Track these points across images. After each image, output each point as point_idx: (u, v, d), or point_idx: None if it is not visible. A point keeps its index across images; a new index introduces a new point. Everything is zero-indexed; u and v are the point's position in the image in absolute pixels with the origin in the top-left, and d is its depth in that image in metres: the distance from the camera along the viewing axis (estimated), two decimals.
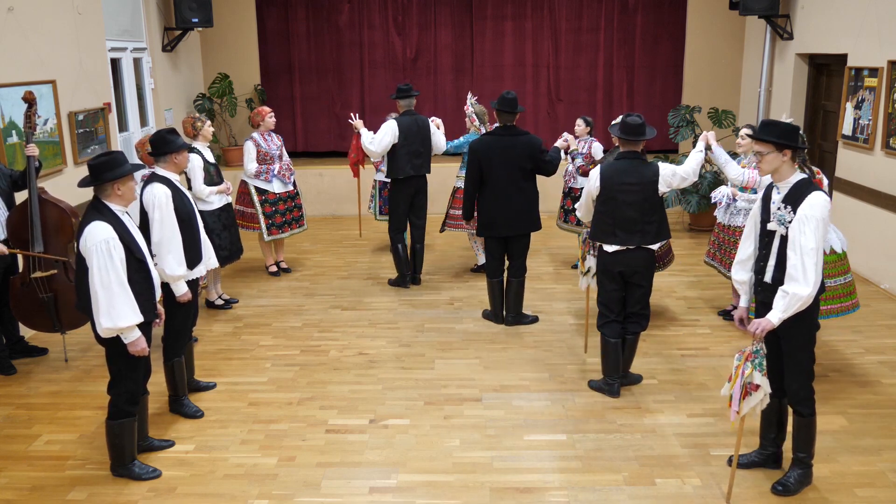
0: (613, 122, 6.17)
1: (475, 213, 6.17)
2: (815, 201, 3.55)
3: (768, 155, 3.65)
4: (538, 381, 5.17)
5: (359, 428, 4.58)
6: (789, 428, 3.93)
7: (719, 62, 10.36)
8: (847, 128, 7.54)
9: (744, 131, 5.74)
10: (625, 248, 4.71)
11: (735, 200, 5.79)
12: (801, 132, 3.69)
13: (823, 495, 3.85)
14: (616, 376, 4.95)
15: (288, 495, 3.91)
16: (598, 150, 7.16)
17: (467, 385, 5.13)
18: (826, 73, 8.55)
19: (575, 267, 7.54)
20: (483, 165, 5.85)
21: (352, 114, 7.45)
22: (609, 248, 4.76)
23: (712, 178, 8.65)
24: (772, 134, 3.64)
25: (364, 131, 6.90)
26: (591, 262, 5.20)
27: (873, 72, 7.07)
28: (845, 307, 5.14)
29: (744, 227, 5.70)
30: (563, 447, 4.33)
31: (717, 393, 4.95)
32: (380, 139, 6.75)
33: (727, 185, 5.95)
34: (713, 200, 5.95)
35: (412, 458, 4.25)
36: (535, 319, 6.27)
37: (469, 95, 7.38)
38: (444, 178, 10.04)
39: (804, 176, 3.68)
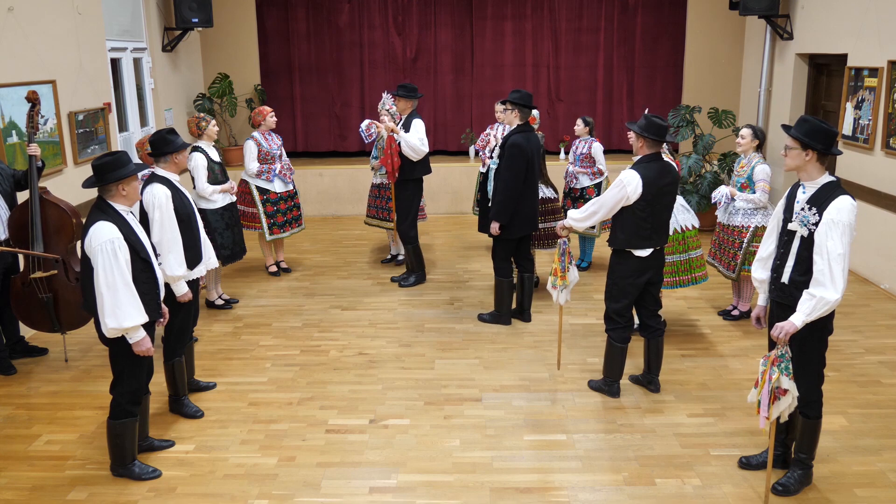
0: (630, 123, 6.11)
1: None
2: (842, 206, 3.48)
3: (792, 151, 3.62)
4: (538, 381, 5.17)
5: (359, 428, 4.58)
6: None
7: (719, 62, 10.36)
8: (847, 128, 7.54)
9: (743, 131, 5.78)
10: (653, 249, 4.65)
11: (733, 200, 5.81)
12: (833, 136, 3.61)
13: (824, 495, 3.85)
14: (618, 381, 4.93)
15: (288, 495, 3.91)
16: (598, 150, 7.14)
17: (467, 385, 5.13)
18: (826, 73, 8.55)
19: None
20: (528, 163, 5.74)
21: (383, 117, 7.19)
22: (643, 254, 4.62)
23: (712, 177, 8.65)
24: (799, 131, 3.59)
25: (404, 133, 6.59)
26: (573, 273, 5.02)
27: (873, 72, 7.07)
28: (696, 277, 5.72)
29: (741, 226, 5.77)
30: (563, 447, 4.33)
31: (717, 393, 4.96)
32: (424, 138, 6.68)
33: (727, 185, 5.96)
34: (713, 201, 5.95)
35: (412, 458, 4.25)
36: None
37: (385, 93, 7.27)
38: (445, 176, 10.07)
39: (833, 179, 3.61)
